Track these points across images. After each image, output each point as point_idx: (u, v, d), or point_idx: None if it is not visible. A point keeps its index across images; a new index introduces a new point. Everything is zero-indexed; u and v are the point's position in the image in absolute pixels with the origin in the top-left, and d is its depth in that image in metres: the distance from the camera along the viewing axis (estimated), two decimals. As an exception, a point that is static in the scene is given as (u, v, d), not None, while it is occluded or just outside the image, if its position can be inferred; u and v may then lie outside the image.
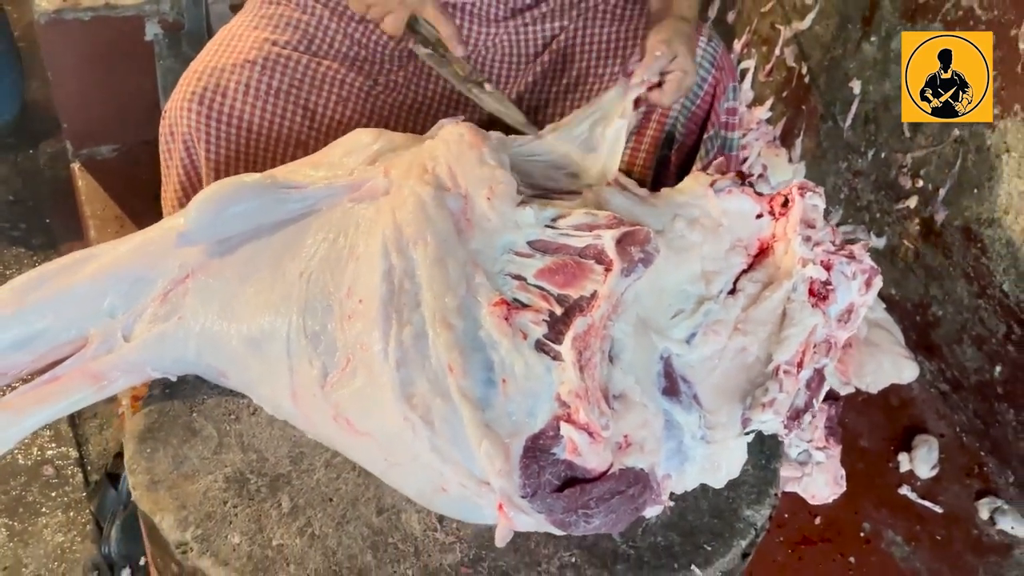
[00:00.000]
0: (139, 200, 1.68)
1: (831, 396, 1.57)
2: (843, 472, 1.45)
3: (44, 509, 1.93)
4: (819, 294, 1.06)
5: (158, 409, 0.99)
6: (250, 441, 0.99)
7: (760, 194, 1.11)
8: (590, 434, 0.88)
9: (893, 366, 1.61)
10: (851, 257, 1.09)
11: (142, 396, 1.04)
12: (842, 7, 1.60)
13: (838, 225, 1.73)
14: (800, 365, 1.02)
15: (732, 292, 1.07)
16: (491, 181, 0.94)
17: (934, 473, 1.51)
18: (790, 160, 1.81)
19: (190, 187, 1.23)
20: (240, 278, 0.97)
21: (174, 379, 1.00)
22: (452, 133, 1.01)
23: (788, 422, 1.01)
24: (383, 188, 0.97)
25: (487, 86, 1.18)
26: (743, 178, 1.15)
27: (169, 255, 0.98)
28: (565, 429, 0.88)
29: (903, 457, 1.52)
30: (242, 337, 0.95)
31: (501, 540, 0.90)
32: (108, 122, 1.76)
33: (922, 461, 1.50)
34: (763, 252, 1.10)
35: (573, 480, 0.91)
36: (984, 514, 1.46)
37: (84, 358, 0.94)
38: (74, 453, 2.08)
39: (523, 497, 0.89)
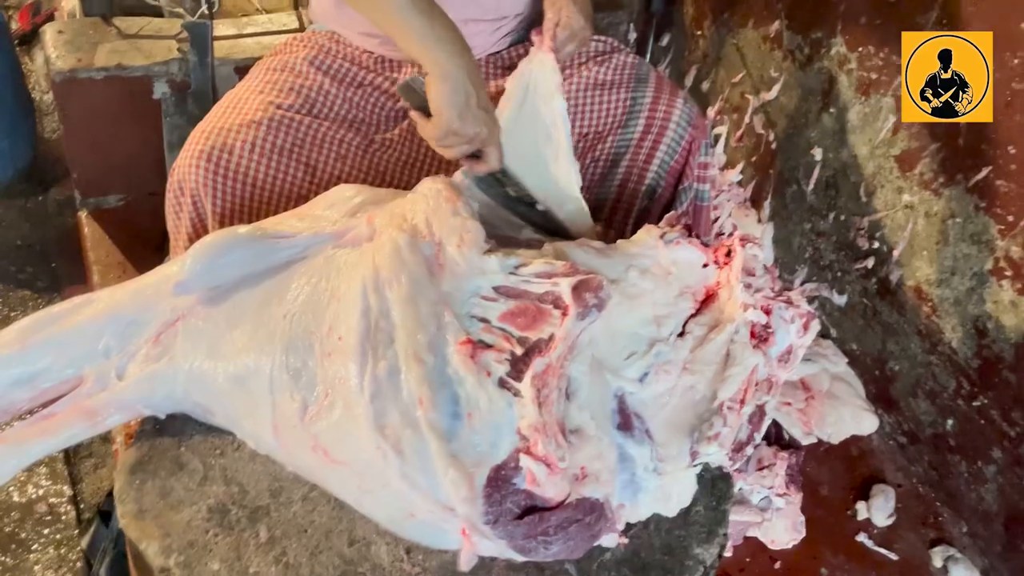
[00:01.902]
0: (142, 248, 1.76)
1: (793, 446, 1.64)
2: (803, 519, 1.51)
3: (36, 546, 1.97)
4: (760, 336, 1.14)
5: (148, 443, 1.06)
6: (233, 475, 1.06)
7: (706, 245, 1.21)
8: (548, 466, 0.95)
9: (853, 418, 1.67)
10: (789, 303, 1.18)
11: (134, 433, 1.11)
12: (804, 80, 1.71)
13: (803, 283, 1.82)
14: (743, 402, 1.09)
15: (681, 335, 1.14)
16: (462, 230, 1.02)
17: (890, 522, 1.56)
18: (759, 220, 1.90)
19: (196, 240, 1.30)
20: (227, 321, 1.04)
21: (163, 416, 1.07)
22: (431, 188, 1.10)
23: (732, 454, 1.08)
24: (367, 235, 1.06)
25: (538, 205, 1.26)
26: (690, 231, 1.24)
27: (162, 300, 1.06)
28: (525, 461, 0.96)
29: (861, 505, 1.58)
30: (228, 375, 1.02)
31: (465, 564, 0.97)
32: (115, 173, 1.84)
33: (879, 510, 1.56)
34: (709, 298, 1.18)
35: (533, 508, 0.97)
36: (938, 562, 1.52)
37: (80, 395, 1.01)
38: (68, 491, 2.13)
39: (486, 524, 0.96)
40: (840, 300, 1.73)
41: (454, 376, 0.98)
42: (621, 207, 1.41)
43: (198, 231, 1.28)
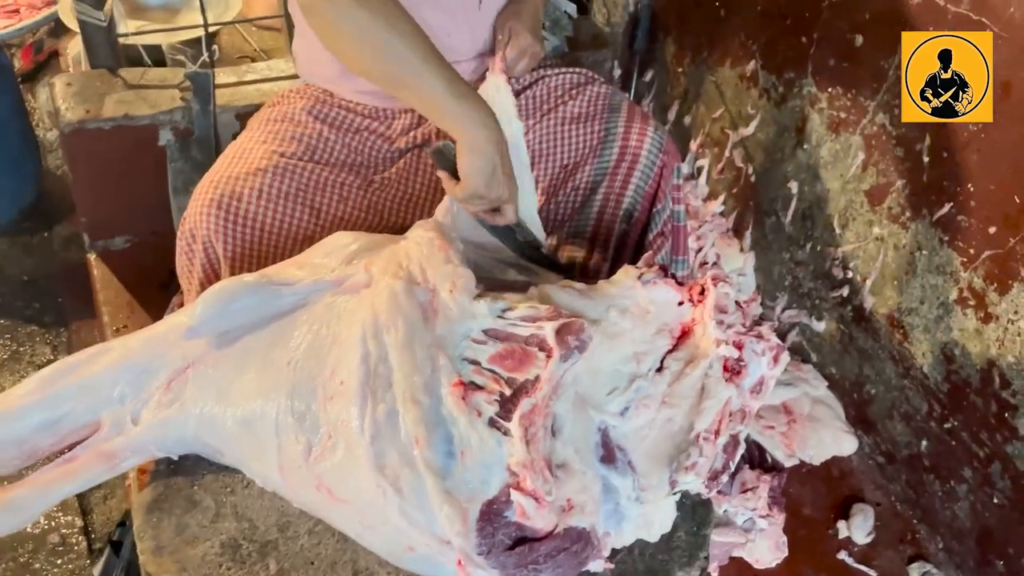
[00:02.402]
0: (148, 287, 1.82)
1: (776, 468, 1.71)
2: (785, 538, 1.58)
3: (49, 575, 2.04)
4: (733, 369, 1.21)
5: (164, 483, 1.12)
6: (243, 511, 1.13)
7: (681, 284, 1.28)
8: (536, 499, 1.02)
9: (834, 440, 1.75)
10: (759, 337, 1.25)
11: (147, 469, 1.17)
12: (779, 117, 1.79)
13: (784, 310, 1.89)
14: (717, 432, 1.16)
15: (659, 370, 1.21)
16: (453, 276, 1.09)
17: (870, 539, 1.63)
18: (741, 250, 1.98)
19: (209, 284, 1.37)
20: (235, 368, 1.12)
21: (176, 458, 1.14)
22: (424, 236, 1.17)
23: (708, 482, 1.15)
24: (364, 282, 1.13)
25: (543, 248, 1.37)
26: (665, 271, 1.32)
27: (172, 348, 1.13)
28: (514, 495, 1.03)
29: (842, 524, 1.65)
30: (236, 419, 1.09)
31: (462, 594, 1.04)
32: (122, 216, 1.91)
33: (859, 528, 1.63)
34: (685, 334, 1.25)
35: (523, 539, 1.04)
36: (915, 577, 1.59)
37: (98, 440, 1.08)
38: (79, 522, 2.19)
39: (479, 555, 1.02)
40: (819, 326, 1.80)
41: (448, 416, 1.05)
42: (602, 232, 1.49)
43: (210, 276, 1.35)
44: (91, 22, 1.80)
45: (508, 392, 1.08)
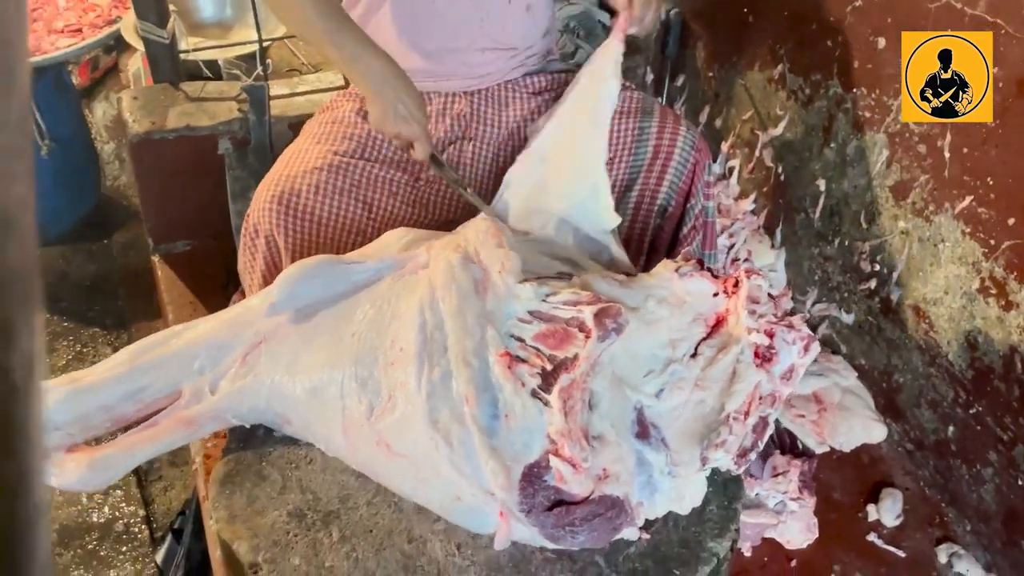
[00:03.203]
0: (207, 287, 1.94)
1: (806, 454, 1.77)
2: (815, 521, 1.64)
3: (115, 562, 2.15)
4: (764, 356, 1.29)
5: (235, 459, 1.22)
6: (307, 484, 1.22)
7: (716, 277, 1.36)
8: (573, 466, 1.11)
9: (863, 428, 1.80)
10: (790, 326, 1.32)
11: (213, 455, 1.27)
12: (807, 117, 1.86)
13: (814, 303, 1.96)
14: (747, 413, 1.24)
15: (693, 355, 1.29)
16: (503, 259, 1.19)
17: (898, 522, 1.68)
18: (772, 246, 2.05)
19: (270, 275, 1.48)
20: (303, 342, 1.22)
21: (248, 427, 1.24)
22: (480, 226, 1.27)
23: (737, 459, 1.22)
24: (424, 262, 1.24)
25: (468, 190, 1.49)
26: (702, 264, 1.40)
27: (247, 327, 1.24)
28: (553, 461, 1.11)
29: (871, 508, 1.70)
30: (304, 388, 1.19)
31: (500, 544, 1.13)
32: (184, 222, 2.03)
33: (888, 511, 1.69)
34: (719, 323, 1.33)
35: (561, 502, 1.13)
36: (943, 558, 1.63)
37: (179, 408, 1.19)
38: (142, 512, 2.31)
39: (521, 511, 1.12)
40: (848, 319, 1.86)
41: (495, 382, 1.14)
42: (637, 227, 1.57)
43: (271, 268, 1.45)
44: (155, 39, 1.94)
45: (549, 367, 1.16)
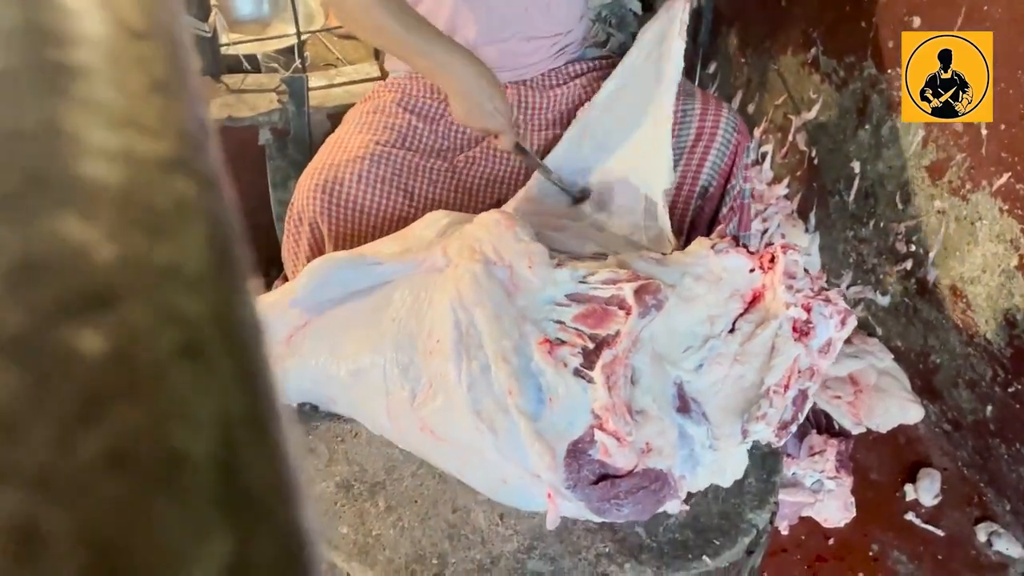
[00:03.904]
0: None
1: (843, 434, 1.78)
2: (852, 500, 1.65)
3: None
4: (802, 330, 1.30)
5: (283, 431, 1.27)
6: (353, 457, 1.26)
7: (752, 253, 1.38)
8: (617, 439, 1.13)
9: (900, 409, 1.81)
10: (827, 301, 1.34)
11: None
12: (840, 100, 1.86)
13: (849, 286, 1.96)
14: (786, 387, 1.25)
15: (731, 331, 1.31)
16: (528, 253, 1.20)
17: (937, 502, 1.68)
18: (806, 230, 2.06)
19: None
20: (346, 325, 1.25)
21: (294, 405, 1.28)
22: (490, 219, 1.27)
23: (778, 431, 1.24)
24: (442, 264, 1.25)
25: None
26: (737, 241, 1.41)
27: (292, 309, 1.28)
28: (598, 435, 1.14)
29: (909, 488, 1.71)
30: (348, 370, 1.22)
31: (551, 523, 1.15)
32: (225, 211, 2.08)
33: (926, 491, 1.69)
34: (756, 299, 1.35)
35: (606, 476, 1.15)
36: (982, 537, 1.63)
37: (228, 386, 1.23)
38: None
39: (567, 488, 1.14)
40: (883, 301, 1.87)
41: (536, 369, 1.16)
42: (679, 207, 1.59)
43: (316, 253, 1.49)
44: (197, 34, 1.98)
45: (591, 346, 1.19)
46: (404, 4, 1.46)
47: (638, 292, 1.22)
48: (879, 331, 1.91)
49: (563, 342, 1.20)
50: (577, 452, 1.14)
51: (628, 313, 1.21)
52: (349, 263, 1.26)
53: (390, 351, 1.21)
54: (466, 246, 1.20)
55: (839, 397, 1.82)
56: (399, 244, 1.34)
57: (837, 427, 1.79)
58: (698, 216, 1.58)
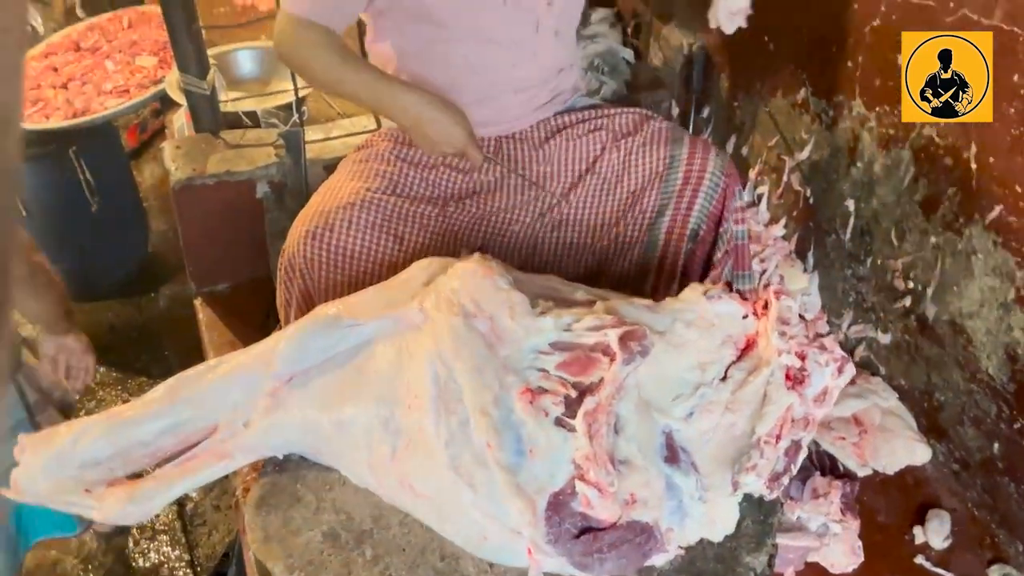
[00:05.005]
0: (248, 326, 1.99)
1: (848, 475, 1.74)
2: (860, 543, 1.60)
3: (160, 606, 2.18)
4: (795, 378, 1.28)
5: (270, 482, 1.26)
6: (341, 505, 1.24)
7: (745, 299, 1.36)
8: (599, 490, 1.11)
9: (906, 449, 1.76)
10: (823, 348, 1.31)
11: (249, 488, 1.30)
12: (831, 140, 1.86)
13: (850, 325, 1.94)
14: (778, 437, 1.23)
15: (723, 378, 1.29)
16: (509, 303, 1.19)
17: (947, 544, 1.63)
18: (805, 270, 2.04)
19: (305, 307, 1.52)
20: (330, 378, 1.25)
21: (281, 457, 1.27)
22: (466, 269, 1.26)
23: (769, 483, 1.21)
24: (419, 320, 1.24)
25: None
26: (730, 287, 1.40)
27: (276, 365, 1.27)
28: (579, 486, 1.12)
29: (918, 530, 1.66)
30: (331, 422, 1.21)
31: (533, 578, 1.13)
32: (224, 263, 2.10)
33: (935, 533, 1.64)
34: (749, 346, 1.33)
35: (588, 529, 1.13)
36: (995, 579, 1.59)
37: (215, 442, 1.22)
38: (186, 556, 2.35)
39: (548, 543, 1.11)
40: (885, 339, 1.84)
41: (517, 420, 1.15)
42: (670, 252, 1.59)
43: (307, 301, 1.49)
44: (196, 92, 2.02)
45: (574, 394, 1.17)
46: (348, 50, 1.52)
47: (623, 338, 1.21)
48: (882, 370, 1.88)
49: (545, 391, 1.19)
50: (558, 505, 1.12)
51: (612, 360, 1.19)
52: (327, 329, 1.25)
53: (371, 405, 1.20)
54: (443, 299, 1.20)
55: (843, 438, 1.78)
56: (384, 294, 1.34)
57: (842, 468, 1.75)
58: (690, 260, 1.57)
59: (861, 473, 1.74)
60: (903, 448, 1.76)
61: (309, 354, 1.24)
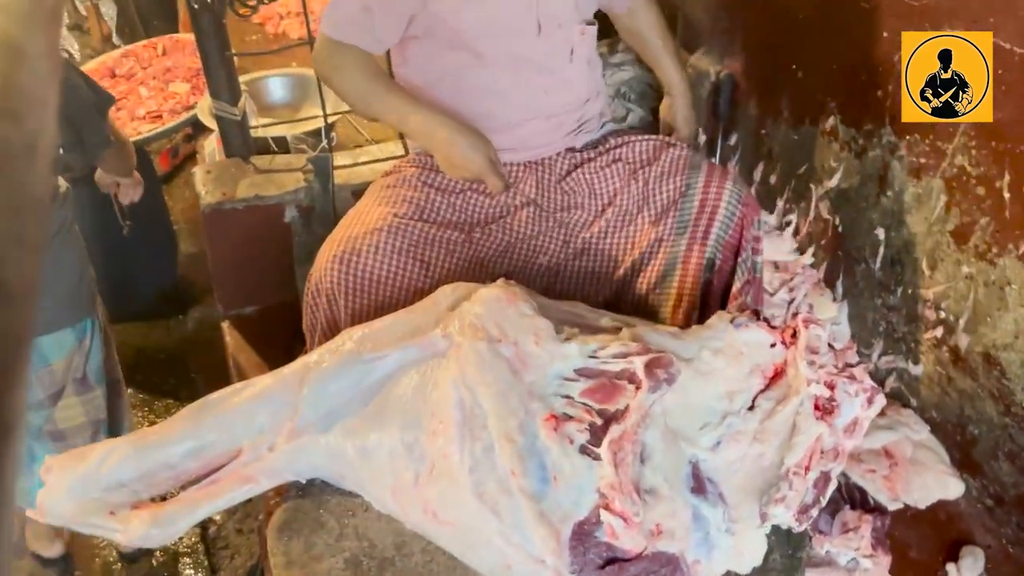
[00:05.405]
0: (275, 349, 2.00)
1: (879, 509, 1.70)
2: (891, 580, 1.57)
3: (185, 626, 2.18)
4: (825, 408, 1.26)
5: (293, 507, 1.26)
6: (363, 532, 1.24)
7: (773, 327, 1.34)
8: (624, 520, 1.10)
9: (938, 483, 1.72)
10: (852, 378, 1.29)
11: (272, 512, 1.30)
12: (861, 168, 1.84)
13: (880, 356, 1.90)
14: (807, 468, 1.21)
15: (751, 408, 1.28)
16: (534, 329, 1.19)
17: (981, 582, 1.60)
18: (834, 299, 2.01)
19: (331, 332, 1.52)
20: (355, 403, 1.25)
21: (305, 481, 1.27)
22: (489, 296, 1.26)
23: (798, 515, 1.19)
24: (443, 347, 1.23)
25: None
26: (758, 315, 1.38)
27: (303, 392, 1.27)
28: (604, 515, 1.10)
29: (951, 567, 1.62)
30: (356, 448, 1.22)
31: (556, 608, 1.11)
32: (252, 287, 2.12)
33: (968, 570, 1.60)
34: (777, 375, 1.31)
35: (614, 559, 1.12)
36: (1032, 620, 1.54)
37: (239, 465, 1.23)
38: (209, 579, 2.35)
39: (572, 573, 1.10)
40: (916, 370, 1.81)
41: (542, 447, 1.14)
42: (688, 281, 1.58)
43: (332, 325, 1.50)
44: (227, 117, 2.05)
45: (599, 422, 1.16)
46: (380, 72, 1.57)
47: (648, 365, 1.20)
48: (913, 402, 1.84)
49: (570, 418, 1.18)
50: (583, 534, 1.11)
51: (638, 387, 1.18)
52: (349, 366, 1.24)
53: (396, 431, 1.20)
54: (467, 324, 1.20)
55: (874, 471, 1.75)
56: (409, 319, 1.34)
57: (872, 502, 1.72)
58: (708, 291, 1.56)
59: (892, 507, 1.70)
60: (935, 482, 1.72)
61: (332, 397, 1.23)
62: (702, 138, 2.29)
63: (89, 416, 1.89)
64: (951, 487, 1.73)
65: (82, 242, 1.86)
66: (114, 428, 1.98)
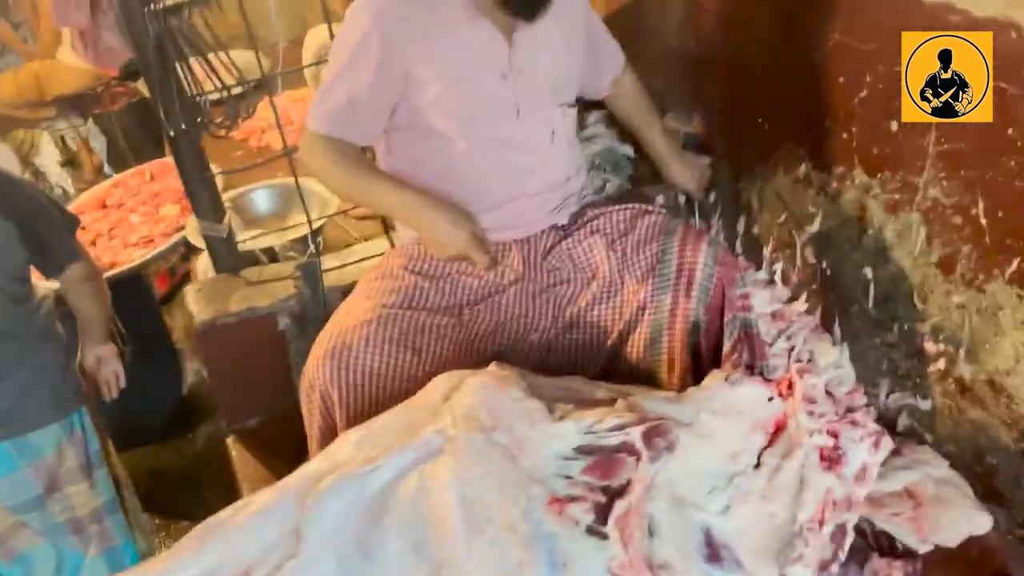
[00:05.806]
0: (280, 460, 1.98)
1: (909, 554, 1.65)
2: (930, 627, 1.51)
3: None
4: (830, 458, 1.24)
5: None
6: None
7: (768, 380, 1.34)
8: (640, 599, 1.08)
9: (965, 519, 1.68)
10: (854, 423, 1.28)
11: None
12: (838, 210, 1.86)
13: (888, 395, 1.88)
14: (821, 522, 1.18)
15: (757, 466, 1.26)
16: (527, 412, 1.19)
17: (1025, 618, 1.54)
18: (833, 343, 2.00)
19: (327, 430, 1.52)
20: (358, 515, 1.23)
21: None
22: (479, 383, 1.26)
23: (819, 573, 1.16)
24: (439, 444, 1.22)
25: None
26: (752, 370, 1.38)
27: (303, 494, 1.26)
28: (619, 597, 1.08)
29: (991, 606, 1.57)
30: (363, 556, 1.19)
31: None
32: (252, 398, 2.11)
33: (1010, 606, 1.55)
34: (779, 429, 1.30)
35: (635, 640, 1.09)
36: (1081, 652, 1.48)
37: (246, 586, 1.21)
38: None
39: (594, 661, 1.07)
40: (925, 405, 1.78)
41: (548, 533, 1.13)
42: (676, 346, 1.58)
43: (328, 422, 1.50)
44: (214, 235, 2.08)
45: (603, 499, 1.15)
46: (363, 160, 1.61)
47: (647, 435, 1.19)
48: (928, 437, 1.81)
49: (573, 498, 1.16)
50: (601, 618, 1.09)
51: (638, 459, 1.17)
52: (343, 488, 1.22)
53: (402, 533, 1.18)
54: (459, 416, 1.19)
55: (898, 514, 1.70)
56: (405, 415, 1.33)
57: (901, 547, 1.67)
58: (697, 353, 1.56)
59: (922, 549, 1.66)
60: (963, 518, 1.68)
61: (334, 516, 1.21)
62: (682, 198, 2.31)
63: (103, 496, 2.00)
64: (979, 521, 1.68)
65: (63, 339, 1.97)
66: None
